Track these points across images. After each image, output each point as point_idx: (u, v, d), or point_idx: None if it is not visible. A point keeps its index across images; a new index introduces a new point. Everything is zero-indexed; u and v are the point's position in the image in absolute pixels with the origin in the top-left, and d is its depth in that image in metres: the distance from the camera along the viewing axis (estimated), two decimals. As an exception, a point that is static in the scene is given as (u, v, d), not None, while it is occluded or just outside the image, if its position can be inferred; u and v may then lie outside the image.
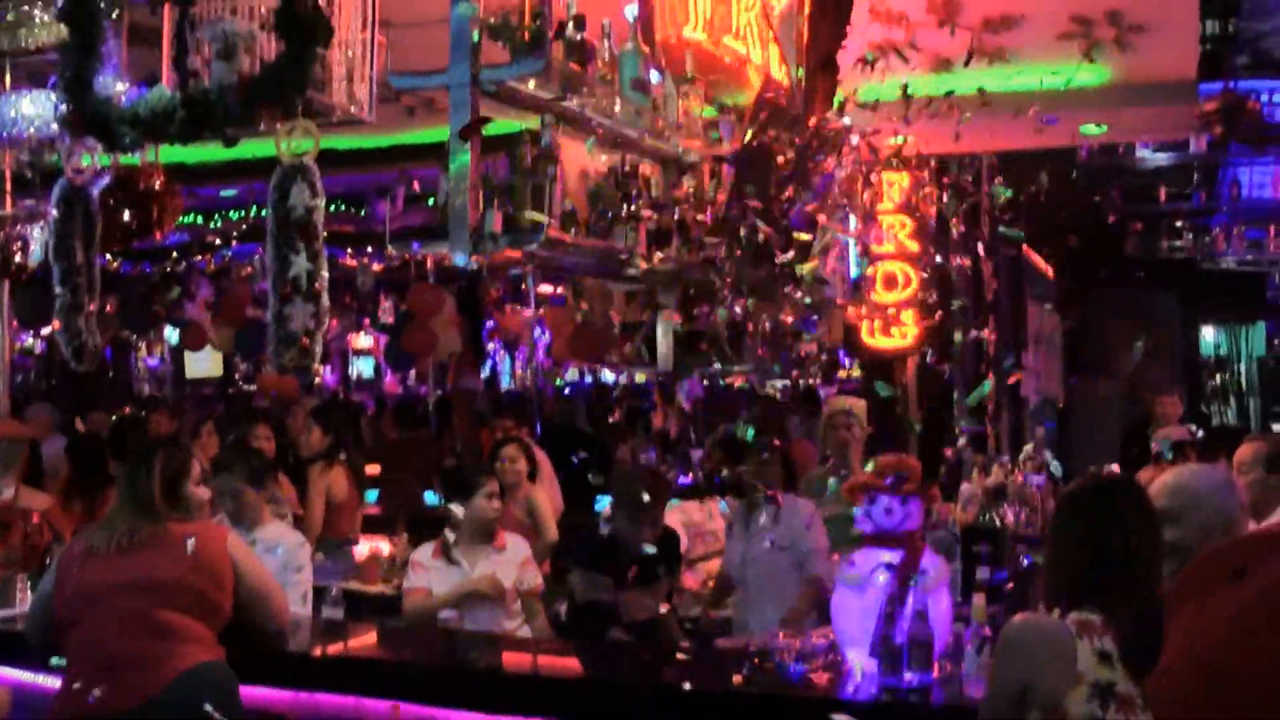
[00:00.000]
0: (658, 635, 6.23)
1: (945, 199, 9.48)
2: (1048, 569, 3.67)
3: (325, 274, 5.26)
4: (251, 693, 4.94)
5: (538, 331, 13.19)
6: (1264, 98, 11.94)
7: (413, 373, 18.37)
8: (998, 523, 7.29)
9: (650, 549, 6.21)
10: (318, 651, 5.48)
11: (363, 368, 20.45)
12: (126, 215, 6.46)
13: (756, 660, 4.76)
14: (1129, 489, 3.77)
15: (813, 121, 6.43)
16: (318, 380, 17.34)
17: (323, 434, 8.91)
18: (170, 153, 5.99)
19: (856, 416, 7.72)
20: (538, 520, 8.01)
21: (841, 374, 9.72)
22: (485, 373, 16.66)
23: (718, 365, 6.97)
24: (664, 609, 6.54)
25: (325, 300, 5.23)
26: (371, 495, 11.16)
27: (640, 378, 19.72)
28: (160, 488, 4.88)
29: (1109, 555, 3.49)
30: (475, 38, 4.70)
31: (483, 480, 6.40)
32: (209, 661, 4.71)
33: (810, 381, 9.49)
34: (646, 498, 6.09)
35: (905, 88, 7.29)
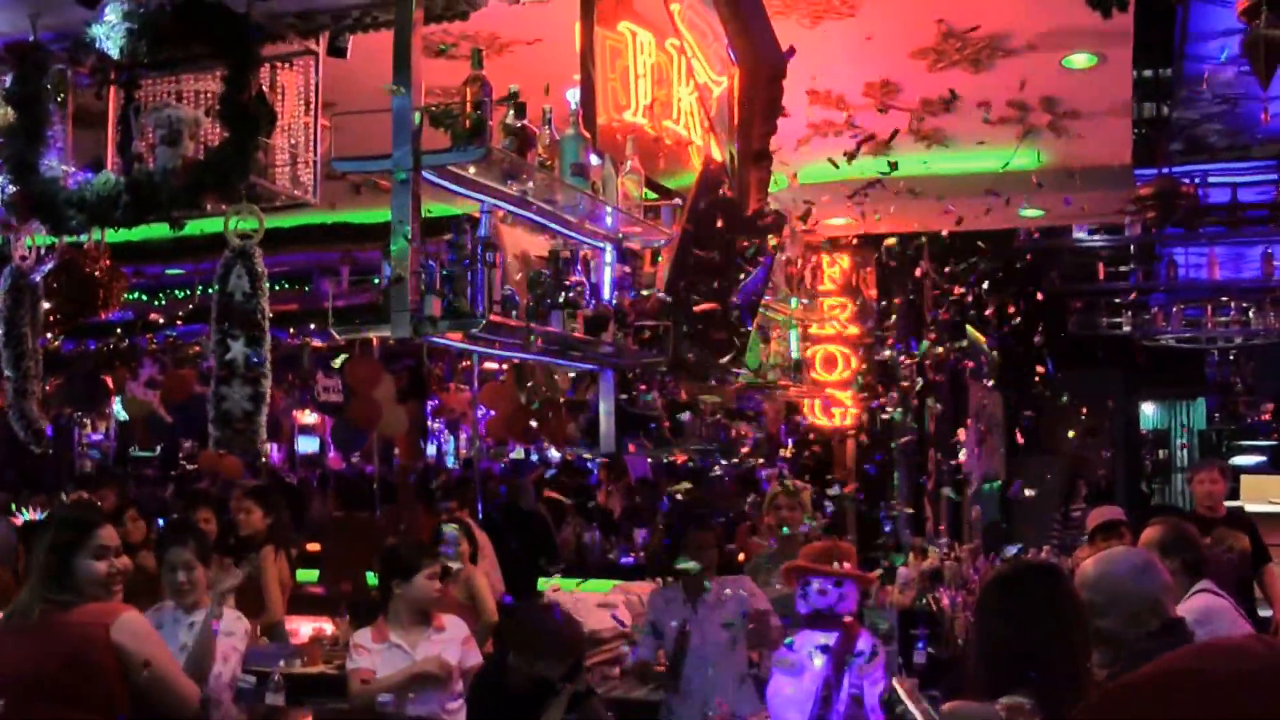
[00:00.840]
0: None
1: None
2: (975, 654, 3.70)
3: (267, 357, 5.29)
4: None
5: (480, 410, 13.21)
6: (1197, 181, 12.18)
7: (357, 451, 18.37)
8: (934, 606, 7.35)
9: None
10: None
11: (307, 445, 20.37)
12: (71, 299, 6.47)
13: None
14: (1052, 574, 3.82)
15: (749, 211, 6.50)
16: (263, 459, 17.31)
17: (264, 515, 8.88)
18: (117, 232, 6.02)
19: (799, 499, 7.79)
20: (477, 601, 8.02)
21: (784, 453, 9.76)
22: (430, 452, 16.68)
23: (658, 446, 7.02)
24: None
25: (265, 385, 5.25)
26: (313, 575, 11.14)
27: (587, 457, 19.82)
28: (49, 560, 4.78)
29: (1035, 640, 3.52)
30: (417, 121, 4.76)
31: (425, 561, 6.39)
32: None
33: (754, 462, 9.56)
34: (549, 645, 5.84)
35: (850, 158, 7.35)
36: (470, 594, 8.05)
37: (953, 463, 11.88)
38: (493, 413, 11.04)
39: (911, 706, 3.62)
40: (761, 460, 9.50)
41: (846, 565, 5.83)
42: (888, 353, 10.87)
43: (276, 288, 11.75)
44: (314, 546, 12.19)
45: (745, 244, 6.62)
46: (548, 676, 5.69)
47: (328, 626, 9.04)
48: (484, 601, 8.04)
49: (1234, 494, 12.44)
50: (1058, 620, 3.58)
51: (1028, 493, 10.02)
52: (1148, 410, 21.38)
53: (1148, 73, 10.73)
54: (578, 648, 6.00)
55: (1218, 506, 9.17)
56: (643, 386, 6.71)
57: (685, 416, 6.95)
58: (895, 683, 4.01)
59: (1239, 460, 18.68)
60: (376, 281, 4.81)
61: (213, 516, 8.95)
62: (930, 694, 5.37)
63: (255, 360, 5.19)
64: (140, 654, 4.77)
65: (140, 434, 16.65)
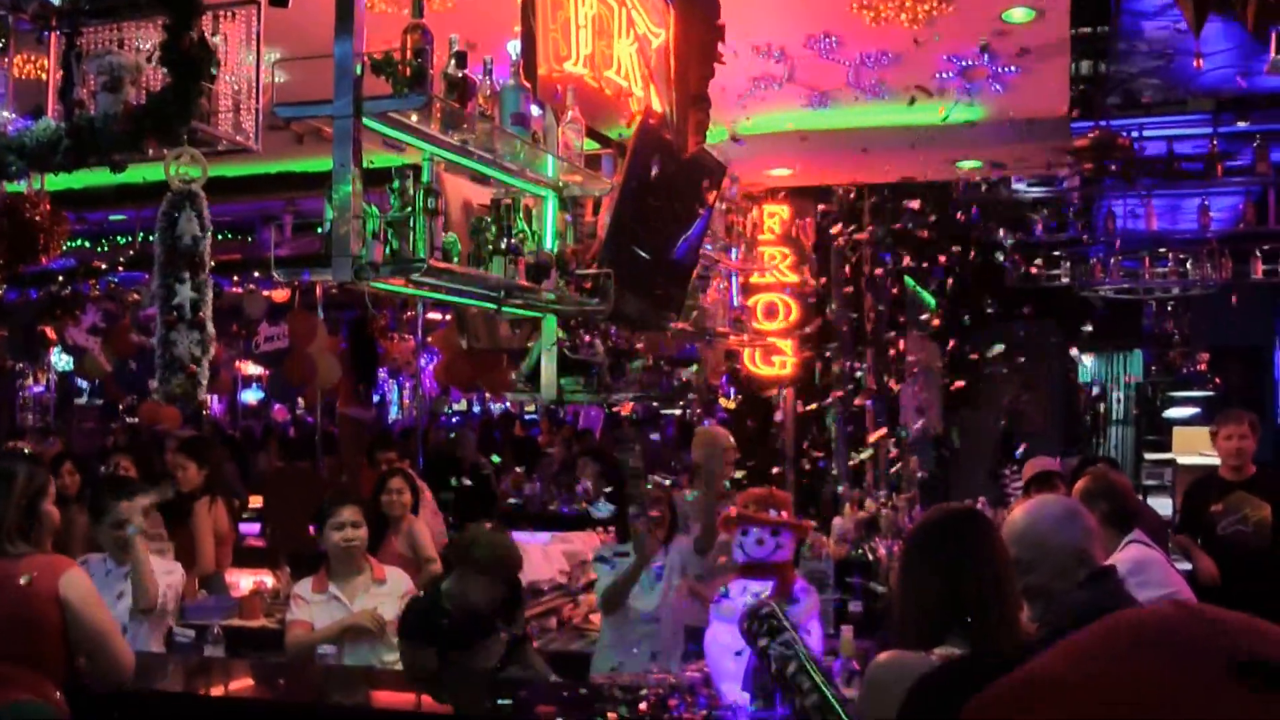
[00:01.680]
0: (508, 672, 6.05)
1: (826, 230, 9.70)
2: (901, 604, 3.66)
3: (210, 302, 5.31)
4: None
5: (424, 360, 13.24)
6: (1134, 134, 12.30)
7: (301, 401, 18.38)
8: (870, 556, 7.47)
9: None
10: (196, 691, 5.46)
11: (250, 396, 20.36)
12: (11, 245, 6.45)
13: (629, 695, 4.77)
14: (977, 520, 3.80)
15: (687, 155, 6.58)
16: (205, 411, 17.27)
17: (198, 468, 8.80)
18: (58, 178, 6.01)
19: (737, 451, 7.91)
20: (419, 553, 8.05)
21: (726, 404, 9.86)
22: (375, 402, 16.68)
23: (599, 393, 7.08)
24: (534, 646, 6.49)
25: (210, 329, 5.26)
26: (254, 527, 11.16)
27: (530, 409, 19.89)
28: (18, 509, 4.74)
29: (963, 588, 3.52)
30: (359, 71, 4.80)
31: (333, 510, 6.38)
32: (23, 702, 4.53)
33: (695, 411, 9.65)
34: (491, 562, 5.86)
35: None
36: (412, 545, 8.10)
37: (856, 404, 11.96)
38: (437, 360, 11.09)
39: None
40: (701, 410, 9.59)
41: (783, 514, 5.92)
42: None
43: (220, 237, 11.79)
44: (256, 501, 12.22)
45: (686, 194, 6.68)
46: (481, 606, 5.74)
47: (269, 579, 9.06)
48: (426, 552, 8.08)
49: (1164, 446, 12.66)
50: (986, 565, 3.57)
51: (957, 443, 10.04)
52: (1085, 362, 21.61)
53: (1085, 28, 10.81)
54: (514, 569, 6.03)
55: (1246, 466, 8.19)
56: (584, 334, 6.76)
57: (629, 364, 7.01)
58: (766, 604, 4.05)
59: (1173, 412, 19.00)
60: (320, 230, 4.82)
61: (131, 465, 8.93)
62: (865, 643, 5.47)
63: (201, 304, 5.18)
64: (85, 611, 4.73)
65: (110, 388, 16.52)
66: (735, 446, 7.85)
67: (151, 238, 5.41)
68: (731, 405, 10.46)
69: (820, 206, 11.24)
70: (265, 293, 12.96)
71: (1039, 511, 4.19)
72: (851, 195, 11.60)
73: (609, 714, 4.53)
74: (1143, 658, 1.24)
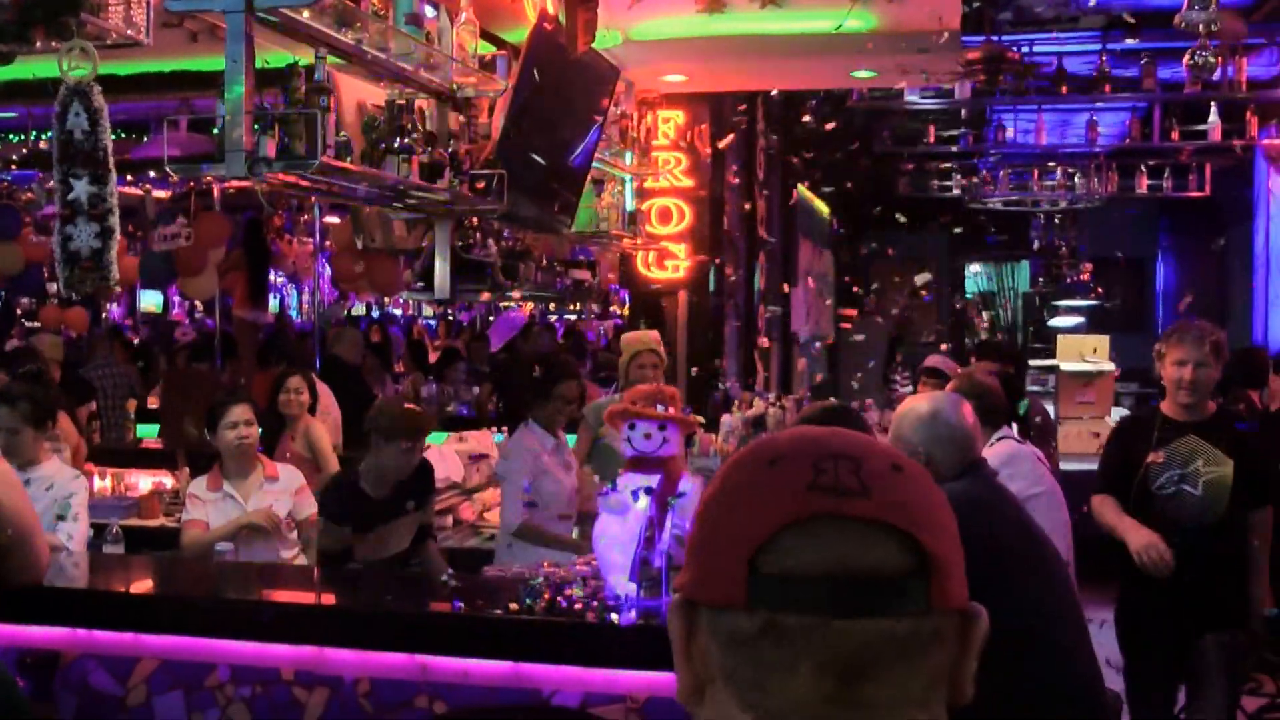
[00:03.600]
0: (411, 568, 6.27)
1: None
2: None
3: (114, 195, 5.32)
4: (25, 632, 4.96)
5: (321, 264, 13.23)
6: (1025, 50, 12.52)
7: (199, 305, 18.26)
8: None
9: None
10: (95, 588, 5.50)
11: (150, 300, 20.18)
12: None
13: (519, 587, 4.89)
14: (852, 413, 4.04)
15: (577, 55, 6.67)
16: (104, 314, 17.12)
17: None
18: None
19: (659, 355, 7.93)
20: (317, 453, 8.08)
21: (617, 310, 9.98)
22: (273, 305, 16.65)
23: (493, 292, 7.18)
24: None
25: (113, 221, 5.26)
26: (153, 430, 11.16)
27: (427, 311, 19.94)
28: None
29: None
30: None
31: (224, 409, 6.48)
32: None
33: (590, 312, 9.77)
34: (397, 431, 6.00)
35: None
36: (309, 445, 8.13)
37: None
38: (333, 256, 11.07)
39: None
40: (597, 312, 9.72)
41: (671, 409, 6.06)
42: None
43: (115, 136, 11.67)
44: (153, 402, 12.21)
45: (580, 99, 6.78)
46: (393, 474, 5.90)
47: (168, 480, 9.10)
48: (324, 453, 8.10)
49: (1050, 353, 12.99)
50: None
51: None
52: (974, 271, 22.05)
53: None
54: (421, 432, 6.19)
55: (1203, 404, 5.93)
56: (478, 235, 6.86)
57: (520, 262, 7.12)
58: None
59: (1058, 321, 19.48)
60: (215, 130, 4.88)
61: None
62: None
63: (101, 197, 5.20)
64: (8, 506, 4.58)
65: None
66: (657, 350, 7.84)
67: (46, 135, 5.42)
68: (624, 312, 10.58)
69: (741, 108, 11.36)
70: (159, 193, 12.86)
71: (907, 408, 4.55)
72: (741, 107, 11.73)
73: (510, 604, 4.66)
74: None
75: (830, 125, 13.01)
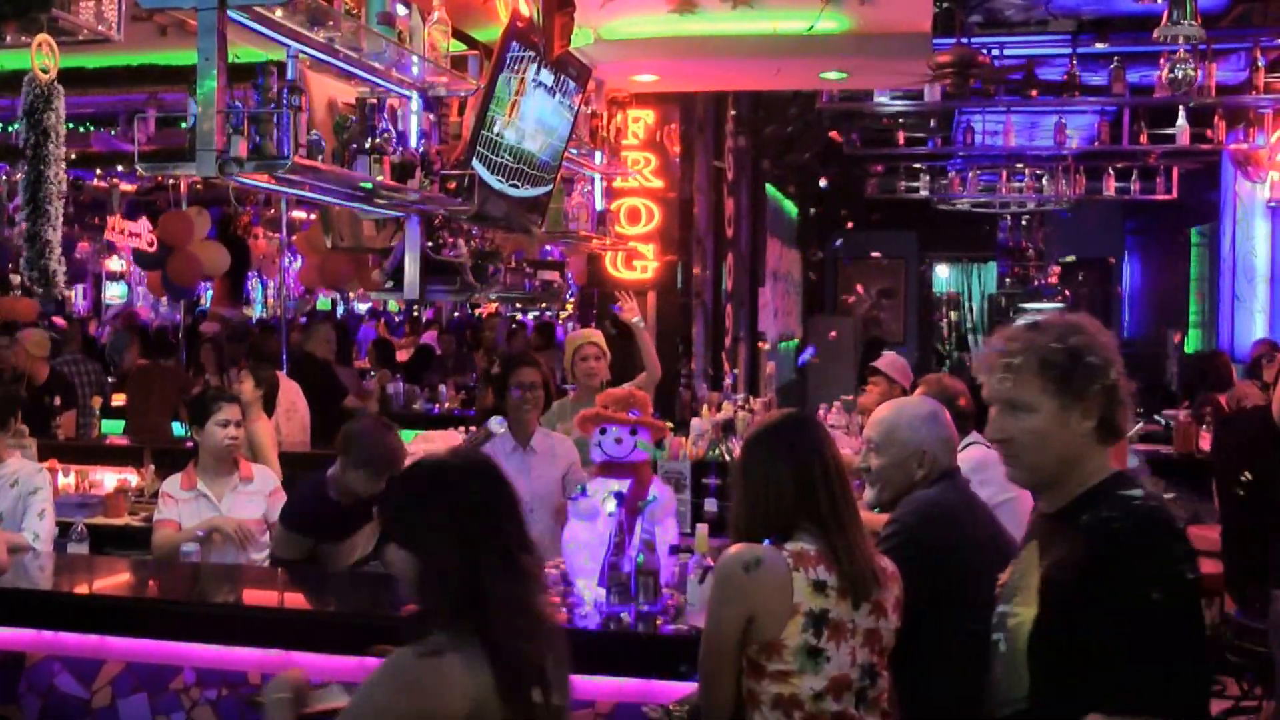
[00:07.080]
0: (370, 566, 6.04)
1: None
2: (748, 497, 3.75)
3: (62, 187, 5.28)
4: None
5: (288, 260, 13.17)
6: (995, 53, 12.57)
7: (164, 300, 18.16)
8: (726, 457, 7.61)
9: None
10: (60, 589, 5.46)
11: (115, 292, 20.05)
12: None
13: None
14: (815, 421, 4.03)
15: (553, 57, 6.66)
16: (68, 307, 17.02)
17: None
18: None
19: (600, 347, 7.94)
20: (258, 452, 7.79)
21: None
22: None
23: (462, 293, 7.14)
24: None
25: (55, 212, 5.23)
26: (117, 426, 11.08)
27: (393, 306, 19.84)
28: None
29: (814, 479, 3.66)
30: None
31: (217, 406, 6.41)
32: None
33: (559, 312, 9.73)
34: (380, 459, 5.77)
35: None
36: (250, 446, 7.83)
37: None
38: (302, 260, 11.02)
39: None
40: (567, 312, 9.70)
41: (642, 415, 6.03)
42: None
43: (82, 129, 11.62)
44: (119, 398, 12.13)
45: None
46: (360, 497, 5.80)
47: (133, 477, 9.01)
48: (266, 454, 7.82)
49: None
50: (832, 460, 3.71)
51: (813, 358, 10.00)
52: (941, 272, 22.09)
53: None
54: (394, 466, 5.98)
55: None
56: (448, 235, 6.80)
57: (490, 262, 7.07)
58: None
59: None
60: (184, 125, 4.85)
61: None
62: (719, 541, 5.59)
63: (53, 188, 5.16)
64: None
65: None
66: (598, 344, 7.87)
67: (11, 128, 5.40)
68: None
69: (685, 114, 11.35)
70: (126, 186, 12.79)
71: (903, 406, 4.58)
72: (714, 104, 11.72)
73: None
74: None
75: (798, 127, 13.03)
